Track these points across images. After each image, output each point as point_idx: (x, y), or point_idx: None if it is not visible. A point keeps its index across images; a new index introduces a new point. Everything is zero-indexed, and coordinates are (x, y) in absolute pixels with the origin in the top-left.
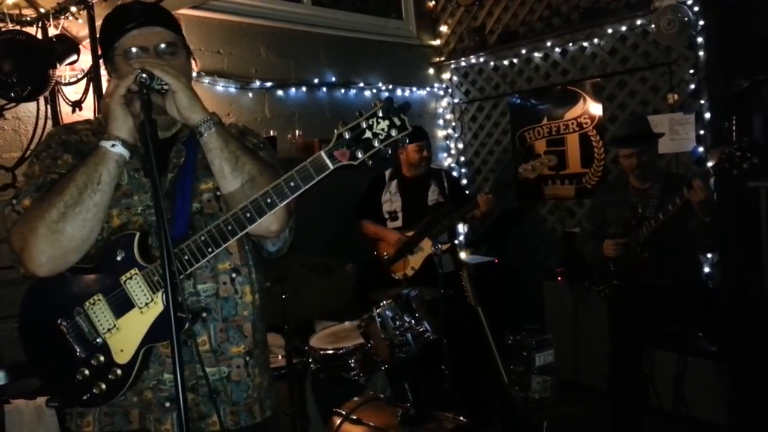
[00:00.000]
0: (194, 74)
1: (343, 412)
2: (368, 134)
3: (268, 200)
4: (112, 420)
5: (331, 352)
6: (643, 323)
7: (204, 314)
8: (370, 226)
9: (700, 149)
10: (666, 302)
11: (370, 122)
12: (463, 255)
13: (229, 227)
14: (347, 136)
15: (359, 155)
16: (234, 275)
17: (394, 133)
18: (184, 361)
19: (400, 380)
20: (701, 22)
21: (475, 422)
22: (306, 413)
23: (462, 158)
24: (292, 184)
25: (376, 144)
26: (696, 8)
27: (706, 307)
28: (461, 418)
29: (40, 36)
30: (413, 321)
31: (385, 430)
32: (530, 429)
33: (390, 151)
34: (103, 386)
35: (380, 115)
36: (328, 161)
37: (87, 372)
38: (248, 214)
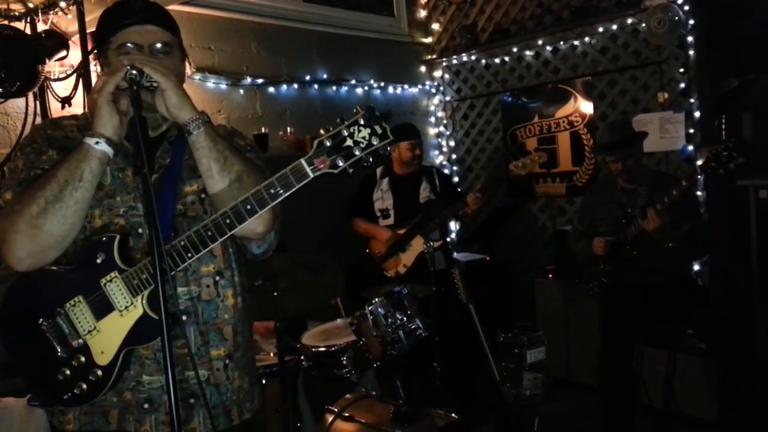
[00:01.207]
0: (187, 75)
1: (335, 410)
2: (349, 142)
3: (248, 207)
4: (91, 419)
5: (323, 349)
6: (632, 321)
7: (184, 317)
8: (361, 224)
9: (690, 148)
10: (656, 300)
11: (352, 130)
12: (454, 253)
13: (209, 233)
14: (328, 144)
15: (340, 163)
16: (217, 278)
17: (375, 141)
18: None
19: (392, 377)
20: (691, 21)
21: (467, 419)
22: (298, 410)
23: (453, 156)
24: (272, 191)
25: (357, 152)
26: (686, 7)
27: (695, 305)
28: (453, 415)
29: (28, 31)
30: (405, 318)
31: (377, 428)
32: (521, 426)
33: (371, 160)
34: (84, 386)
35: (362, 122)
36: (308, 169)
37: (68, 372)
38: (228, 221)
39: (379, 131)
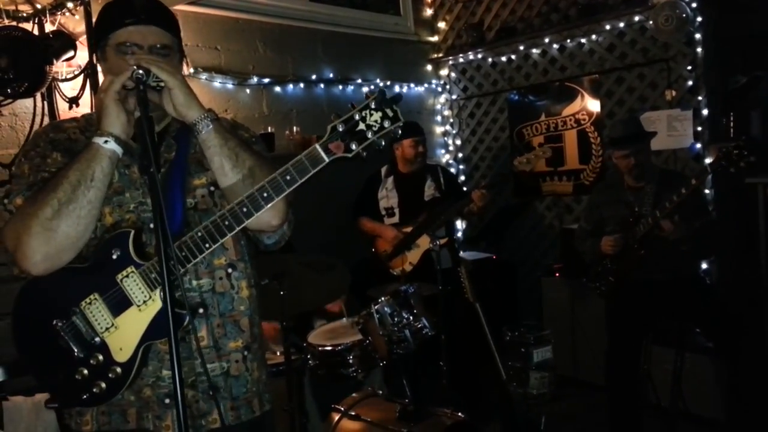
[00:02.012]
0: (186, 75)
1: (342, 408)
2: (362, 126)
3: (265, 194)
4: (109, 419)
5: (329, 348)
6: (640, 319)
7: (201, 310)
8: (367, 222)
9: (698, 146)
10: (663, 298)
11: (363, 114)
12: (461, 251)
13: (226, 222)
14: (341, 129)
15: (353, 147)
16: (230, 270)
17: (387, 124)
18: (183, 357)
19: (399, 376)
20: (699, 18)
21: (474, 418)
22: (304, 409)
23: (460, 155)
24: (288, 177)
25: (369, 136)
26: (694, 4)
27: (703, 303)
28: (459, 414)
29: (36, 32)
30: (411, 317)
31: (383, 426)
32: (528, 424)
33: (384, 143)
34: (103, 385)
35: (373, 106)
36: (323, 154)
37: (86, 372)
38: (245, 209)
39: (391, 114)
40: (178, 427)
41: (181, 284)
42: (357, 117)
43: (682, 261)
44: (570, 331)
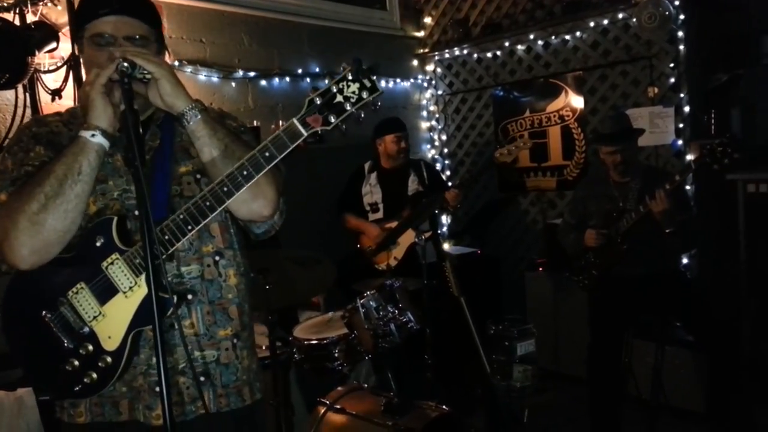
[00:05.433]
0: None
1: (327, 402)
2: (339, 98)
3: (245, 172)
4: (102, 410)
5: (315, 342)
6: (621, 313)
7: (190, 296)
8: (351, 219)
9: (680, 142)
10: (644, 292)
11: (341, 86)
12: (446, 246)
13: (207, 203)
14: (318, 102)
15: (332, 120)
16: (217, 258)
17: (365, 95)
18: (173, 344)
19: (384, 370)
20: (682, 17)
21: (458, 411)
22: (290, 403)
23: (445, 150)
24: (267, 154)
25: (348, 107)
26: (677, 2)
27: (683, 298)
28: (444, 407)
29: (17, 23)
30: (396, 311)
31: (368, 419)
32: (511, 417)
33: (362, 115)
34: (94, 375)
35: (350, 78)
36: (301, 128)
37: (76, 362)
38: (225, 188)
39: (368, 85)
40: (164, 413)
41: (163, 269)
42: (334, 89)
43: (664, 256)
44: (553, 324)
